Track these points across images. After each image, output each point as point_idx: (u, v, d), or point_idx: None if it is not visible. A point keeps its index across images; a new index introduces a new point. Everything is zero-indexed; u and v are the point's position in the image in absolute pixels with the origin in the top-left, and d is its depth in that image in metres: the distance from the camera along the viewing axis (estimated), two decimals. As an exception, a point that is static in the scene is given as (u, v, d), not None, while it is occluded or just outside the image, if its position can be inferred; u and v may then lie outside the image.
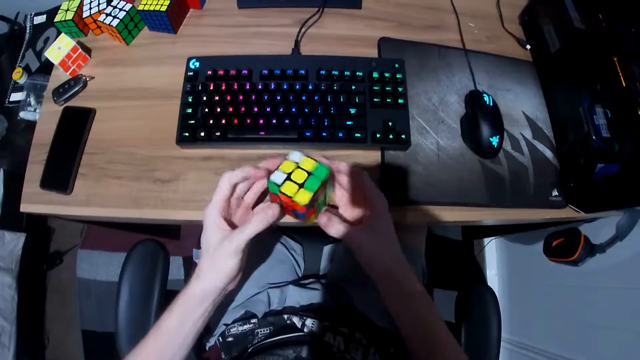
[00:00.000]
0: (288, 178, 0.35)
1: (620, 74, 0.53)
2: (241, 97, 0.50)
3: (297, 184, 0.35)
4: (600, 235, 0.61)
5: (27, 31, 0.97)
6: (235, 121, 0.49)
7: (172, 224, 0.53)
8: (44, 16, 0.97)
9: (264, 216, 0.37)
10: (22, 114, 0.84)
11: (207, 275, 0.38)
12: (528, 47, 0.62)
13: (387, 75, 0.52)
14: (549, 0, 0.60)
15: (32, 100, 0.84)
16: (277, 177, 0.35)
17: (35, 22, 0.97)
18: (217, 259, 0.37)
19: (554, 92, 0.59)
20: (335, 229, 0.38)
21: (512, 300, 1.06)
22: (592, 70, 0.54)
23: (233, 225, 0.39)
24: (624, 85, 0.52)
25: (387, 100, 0.51)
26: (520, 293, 1.06)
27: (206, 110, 0.50)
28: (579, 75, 0.54)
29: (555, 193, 0.55)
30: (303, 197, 0.34)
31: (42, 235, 1.19)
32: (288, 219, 0.42)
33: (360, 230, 0.38)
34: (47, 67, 0.89)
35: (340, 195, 0.42)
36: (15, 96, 0.90)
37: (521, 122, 0.57)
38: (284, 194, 0.35)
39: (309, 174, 0.36)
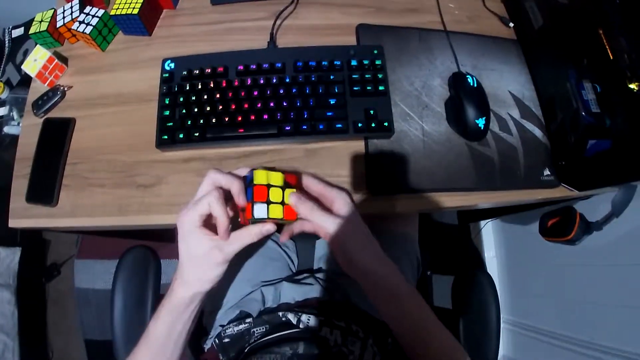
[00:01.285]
0: (269, 203, 0.35)
1: (607, 46, 0.52)
2: (218, 96, 0.49)
3: (280, 203, 0.36)
4: (596, 212, 0.60)
5: (6, 45, 0.96)
6: (214, 120, 0.48)
7: (163, 228, 0.52)
8: (22, 28, 0.96)
9: (257, 230, 0.37)
10: (6, 129, 0.84)
11: (193, 282, 0.38)
12: (511, 25, 0.61)
13: (366, 62, 0.51)
14: (530, -25, 0.58)
15: (15, 114, 0.83)
16: (260, 210, 0.35)
17: (13, 35, 0.96)
18: (205, 268, 0.37)
19: (540, 69, 0.58)
20: (308, 208, 0.37)
21: (511, 281, 1.06)
22: (578, 44, 0.53)
23: (214, 230, 0.37)
24: (611, 58, 0.51)
25: (368, 88, 0.50)
26: (519, 273, 1.06)
27: (183, 111, 0.49)
28: (565, 50, 0.53)
29: (547, 172, 0.54)
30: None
31: (37, 248, 1.18)
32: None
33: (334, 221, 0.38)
34: (28, 80, 0.88)
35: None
36: (-2, 111, 0.89)
37: (508, 101, 0.56)
38: (275, 219, 0.36)
39: (282, 187, 0.36)
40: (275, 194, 0.35)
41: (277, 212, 0.35)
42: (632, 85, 0.50)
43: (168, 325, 0.39)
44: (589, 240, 0.60)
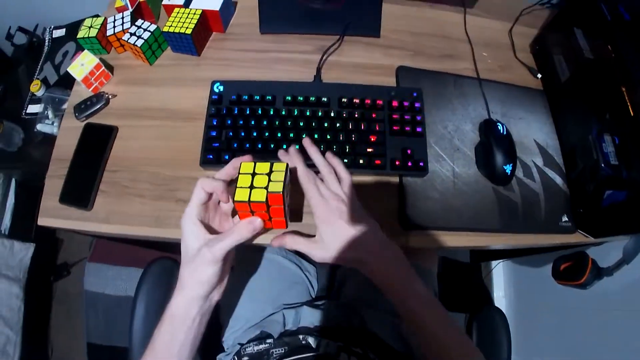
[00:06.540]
0: (252, 188, 0.35)
1: (629, 103, 0.54)
2: (265, 122, 0.51)
3: (264, 187, 0.35)
4: (608, 258, 0.62)
5: (46, 44, 0.99)
6: (260, 145, 0.50)
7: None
8: (64, 30, 0.99)
9: (246, 227, 0.36)
10: (40, 127, 0.86)
11: (188, 284, 0.38)
12: (539, 76, 0.64)
13: (406, 104, 0.54)
14: (559, 30, 0.62)
15: (49, 113, 0.85)
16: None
17: (54, 36, 0.99)
18: (197, 267, 0.37)
19: (564, 120, 0.60)
20: (289, 240, 0.41)
21: (518, 321, 1.07)
22: (601, 99, 0.55)
23: (212, 231, 0.39)
24: (632, 114, 0.54)
25: (406, 128, 0.52)
26: (526, 315, 1.06)
27: (230, 133, 0.51)
28: (588, 104, 0.56)
29: (565, 219, 0.56)
30: (275, 187, 0.35)
31: (50, 247, 1.19)
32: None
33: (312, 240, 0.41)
34: (65, 81, 0.91)
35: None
36: (33, 108, 0.91)
37: (533, 149, 0.58)
38: (255, 201, 0.35)
39: (268, 174, 0.36)
40: (259, 180, 0.35)
41: (260, 196, 0.35)
42: (649, 142, 0.53)
43: (170, 335, 0.38)
44: (600, 285, 0.62)
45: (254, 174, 0.36)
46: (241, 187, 0.35)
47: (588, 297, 0.74)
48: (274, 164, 0.37)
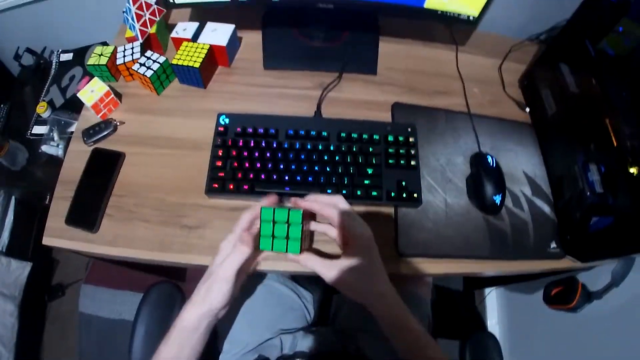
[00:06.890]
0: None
1: (612, 134, 0.57)
2: (268, 154, 0.54)
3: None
4: (597, 282, 0.64)
5: (53, 67, 1.02)
6: (263, 176, 0.53)
7: (182, 267, 0.55)
8: (71, 54, 1.02)
9: (244, 246, 0.41)
10: (45, 148, 0.87)
11: (202, 299, 0.41)
12: (527, 109, 0.67)
13: (401, 138, 0.57)
14: (546, 65, 0.65)
15: (55, 135, 0.87)
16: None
17: (61, 59, 1.02)
18: (212, 285, 0.41)
19: (551, 152, 0.63)
20: (307, 261, 0.42)
21: (512, 348, 1.07)
22: (586, 131, 0.58)
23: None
24: (616, 144, 0.57)
25: (401, 162, 0.55)
26: (520, 341, 1.07)
27: (235, 164, 0.54)
28: (574, 135, 0.59)
29: (553, 245, 0.58)
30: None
31: (46, 267, 1.18)
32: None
33: (336, 262, 0.42)
34: (71, 104, 0.94)
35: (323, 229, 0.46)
36: (38, 129, 0.93)
37: (521, 180, 0.61)
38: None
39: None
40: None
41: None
42: (632, 170, 0.55)
43: (178, 346, 0.40)
44: (590, 308, 0.63)
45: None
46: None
47: (579, 320, 0.76)
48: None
